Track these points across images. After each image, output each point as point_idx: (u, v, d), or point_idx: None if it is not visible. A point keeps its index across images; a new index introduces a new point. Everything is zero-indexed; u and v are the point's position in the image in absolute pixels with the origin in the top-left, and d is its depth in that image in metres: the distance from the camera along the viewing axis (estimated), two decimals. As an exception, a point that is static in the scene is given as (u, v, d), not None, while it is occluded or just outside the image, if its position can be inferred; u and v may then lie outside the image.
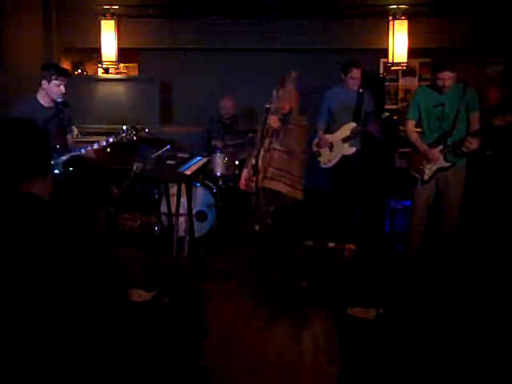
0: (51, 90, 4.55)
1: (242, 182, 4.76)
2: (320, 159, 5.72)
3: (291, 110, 4.58)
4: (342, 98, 5.62)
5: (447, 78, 4.38)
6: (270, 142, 4.57)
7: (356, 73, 5.55)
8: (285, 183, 4.52)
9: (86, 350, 1.56)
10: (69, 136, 4.80)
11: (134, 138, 4.71)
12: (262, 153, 4.48)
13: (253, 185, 4.54)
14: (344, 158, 5.63)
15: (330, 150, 5.65)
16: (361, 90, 5.62)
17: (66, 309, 1.52)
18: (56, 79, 4.52)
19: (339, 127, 5.63)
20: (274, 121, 4.49)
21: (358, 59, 5.73)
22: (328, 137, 5.68)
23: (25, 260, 1.51)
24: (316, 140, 5.73)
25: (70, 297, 1.53)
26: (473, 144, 4.41)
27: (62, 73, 4.58)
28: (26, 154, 1.67)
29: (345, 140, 5.60)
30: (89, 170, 4.82)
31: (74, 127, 4.99)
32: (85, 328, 1.55)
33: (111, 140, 4.64)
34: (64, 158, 4.54)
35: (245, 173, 4.76)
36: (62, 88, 4.55)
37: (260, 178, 4.42)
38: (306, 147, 4.71)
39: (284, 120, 4.55)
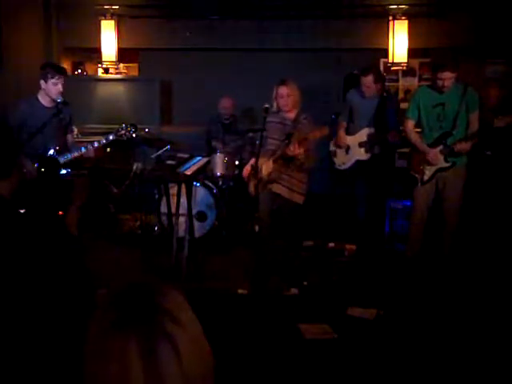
0: (49, 90, 4.55)
1: (248, 169, 4.62)
2: (335, 160, 5.55)
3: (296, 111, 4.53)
4: (363, 101, 5.37)
5: (447, 78, 4.38)
6: (271, 144, 4.54)
7: (365, 80, 5.24)
8: (283, 185, 4.50)
9: (48, 351, 1.54)
10: (69, 136, 4.80)
11: (134, 135, 4.71)
12: (261, 154, 4.44)
13: (252, 188, 4.52)
14: (358, 162, 5.44)
15: (347, 152, 5.50)
16: (384, 94, 5.46)
17: (22, 305, 1.50)
18: (52, 78, 4.52)
19: (358, 130, 5.41)
20: (295, 149, 4.30)
21: (357, 59, 5.71)
22: (347, 138, 5.50)
23: None
24: (335, 139, 5.53)
25: (26, 294, 1.51)
26: (463, 146, 4.41)
27: (58, 71, 4.57)
28: None
29: (361, 145, 5.37)
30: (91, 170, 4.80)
31: (74, 127, 5.00)
32: (46, 326, 1.53)
33: (111, 138, 4.64)
34: (63, 158, 4.54)
35: (252, 161, 4.59)
36: (60, 87, 4.54)
37: (262, 179, 4.40)
38: (313, 153, 4.50)
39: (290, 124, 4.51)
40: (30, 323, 1.53)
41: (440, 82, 4.42)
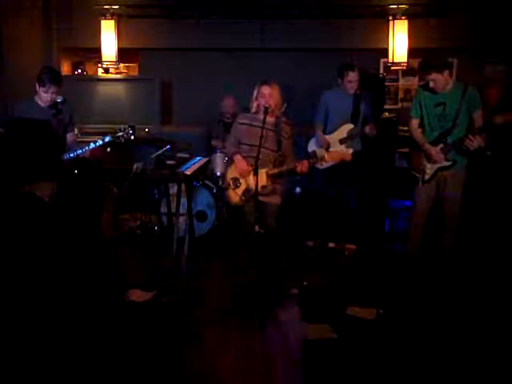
0: (41, 95, 4.54)
1: (249, 169, 4.46)
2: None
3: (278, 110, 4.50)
4: (339, 100, 5.58)
5: (436, 79, 4.38)
6: (252, 150, 4.40)
7: (352, 76, 5.51)
8: (276, 194, 4.49)
9: (81, 348, 1.55)
10: (68, 135, 4.78)
11: (132, 137, 4.69)
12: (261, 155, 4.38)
13: (236, 198, 4.50)
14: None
15: (327, 150, 5.61)
16: (358, 92, 5.60)
17: (60, 306, 1.52)
18: (43, 86, 4.50)
19: (336, 128, 5.61)
20: (306, 168, 4.30)
21: (358, 59, 5.72)
22: (326, 137, 5.66)
23: (20, 258, 1.51)
24: (313, 140, 5.71)
25: (64, 294, 1.52)
26: (474, 142, 4.37)
27: (51, 80, 4.49)
28: (35, 157, 1.66)
29: (342, 141, 5.57)
30: (93, 171, 4.80)
31: (74, 126, 4.98)
32: (80, 326, 1.55)
33: (107, 139, 4.63)
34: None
35: (239, 157, 4.53)
36: (48, 96, 4.51)
37: (251, 191, 4.38)
38: (292, 153, 4.53)
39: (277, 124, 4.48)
40: (69, 323, 1.54)
41: (431, 84, 4.44)
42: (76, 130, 5.10)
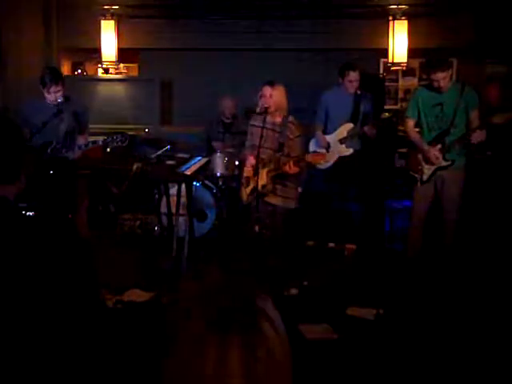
0: (45, 96, 4.55)
1: (250, 170, 4.50)
2: None
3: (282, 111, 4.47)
4: (340, 100, 5.59)
5: (441, 78, 4.38)
6: (262, 152, 4.37)
7: (353, 76, 5.52)
8: (278, 195, 4.48)
9: (57, 350, 1.52)
10: (79, 137, 4.72)
11: (124, 144, 4.65)
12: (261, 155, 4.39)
13: (245, 196, 4.51)
14: (341, 159, 5.61)
15: (327, 150, 5.63)
16: (358, 92, 5.60)
17: (32, 308, 1.48)
18: (43, 87, 4.52)
19: (336, 128, 5.62)
20: (290, 168, 4.20)
21: (357, 59, 5.73)
22: (326, 137, 5.67)
23: None
24: (313, 140, 5.71)
25: (36, 296, 1.49)
26: (479, 135, 4.37)
27: (46, 82, 4.50)
28: None
29: (342, 141, 5.57)
30: (69, 171, 4.74)
31: (86, 128, 4.90)
32: (55, 328, 1.52)
33: (100, 143, 4.62)
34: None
35: (250, 157, 4.55)
36: (51, 96, 4.52)
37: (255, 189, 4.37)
38: (301, 152, 4.47)
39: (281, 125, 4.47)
40: (36, 326, 1.52)
41: (435, 83, 4.44)
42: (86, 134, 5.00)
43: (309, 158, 4.24)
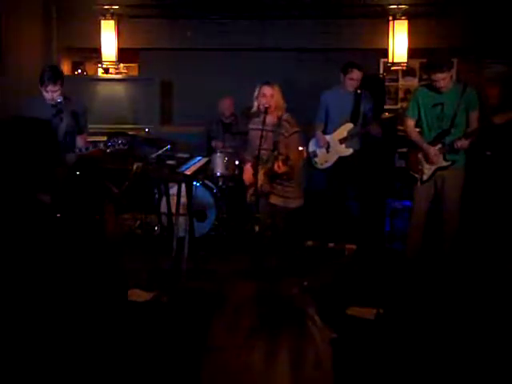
0: (43, 94, 4.53)
1: (250, 176, 4.48)
2: (316, 160, 5.68)
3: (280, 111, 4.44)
4: (339, 99, 5.59)
5: (441, 78, 4.38)
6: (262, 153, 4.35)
7: (356, 74, 5.51)
8: (279, 196, 4.47)
9: (83, 347, 1.55)
10: (78, 137, 4.68)
11: (125, 147, 4.62)
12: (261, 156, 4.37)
13: (249, 197, 4.52)
14: (341, 159, 5.60)
15: (327, 150, 5.62)
16: (359, 91, 5.60)
17: (62, 306, 1.51)
18: (41, 85, 4.49)
19: (336, 128, 5.62)
20: (279, 168, 4.15)
21: (357, 59, 5.73)
22: (326, 137, 5.66)
23: (24, 260, 1.50)
24: (313, 140, 5.71)
25: (67, 294, 1.52)
26: (463, 143, 4.42)
27: (44, 80, 4.47)
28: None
29: (342, 141, 5.56)
30: (94, 171, 4.76)
31: (86, 129, 4.88)
32: (82, 325, 1.54)
33: (101, 146, 4.60)
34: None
35: (248, 166, 4.56)
36: (48, 95, 4.48)
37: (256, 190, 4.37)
38: (298, 168, 4.40)
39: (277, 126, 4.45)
40: (71, 323, 1.54)
41: (436, 84, 4.43)
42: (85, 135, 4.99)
43: (291, 155, 4.11)
